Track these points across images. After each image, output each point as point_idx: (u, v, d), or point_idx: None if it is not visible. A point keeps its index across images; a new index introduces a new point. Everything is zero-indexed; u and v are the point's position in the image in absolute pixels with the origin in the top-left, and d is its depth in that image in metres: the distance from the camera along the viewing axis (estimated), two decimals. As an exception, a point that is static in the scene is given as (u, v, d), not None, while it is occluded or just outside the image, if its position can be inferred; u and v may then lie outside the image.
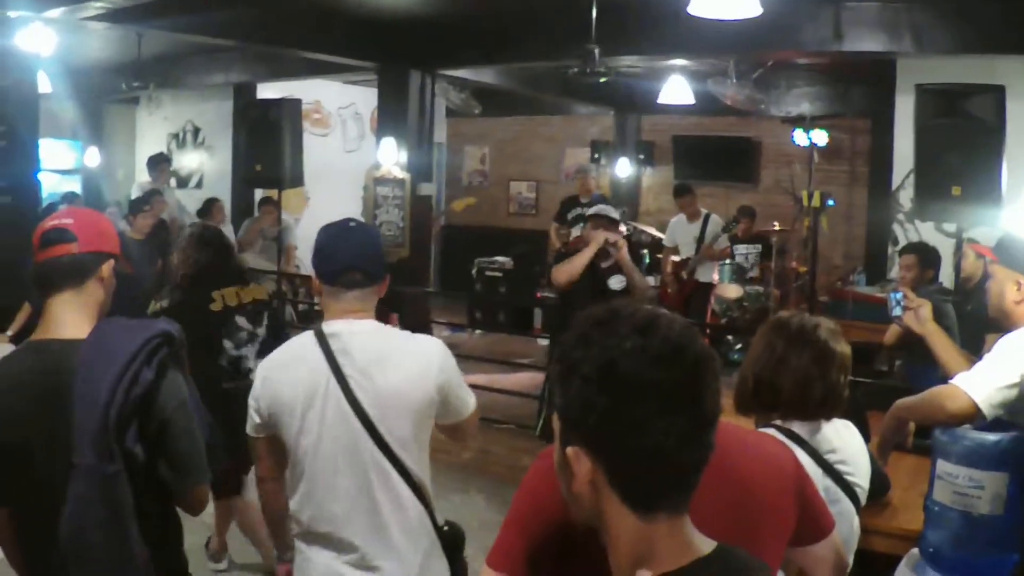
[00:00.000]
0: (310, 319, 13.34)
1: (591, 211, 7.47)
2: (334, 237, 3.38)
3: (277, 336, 5.54)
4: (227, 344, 5.58)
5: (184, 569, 3.04)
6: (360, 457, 3.14)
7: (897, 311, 4.64)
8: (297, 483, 3.23)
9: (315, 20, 10.26)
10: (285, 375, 3.24)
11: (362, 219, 14.24)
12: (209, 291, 5.58)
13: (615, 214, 7.15)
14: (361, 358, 3.17)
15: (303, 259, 13.96)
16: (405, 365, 3.19)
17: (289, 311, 12.81)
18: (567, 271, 6.97)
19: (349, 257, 3.28)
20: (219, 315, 5.56)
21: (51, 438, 2.66)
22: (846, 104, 13.47)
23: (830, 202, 11.76)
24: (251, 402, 3.29)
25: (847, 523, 3.06)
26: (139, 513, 2.69)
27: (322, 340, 3.21)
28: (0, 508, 2.82)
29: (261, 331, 5.73)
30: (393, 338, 3.32)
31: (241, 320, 5.66)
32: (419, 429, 3.21)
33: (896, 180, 11.34)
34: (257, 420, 3.27)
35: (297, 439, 3.18)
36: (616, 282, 6.88)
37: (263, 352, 5.09)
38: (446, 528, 3.38)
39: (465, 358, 8.26)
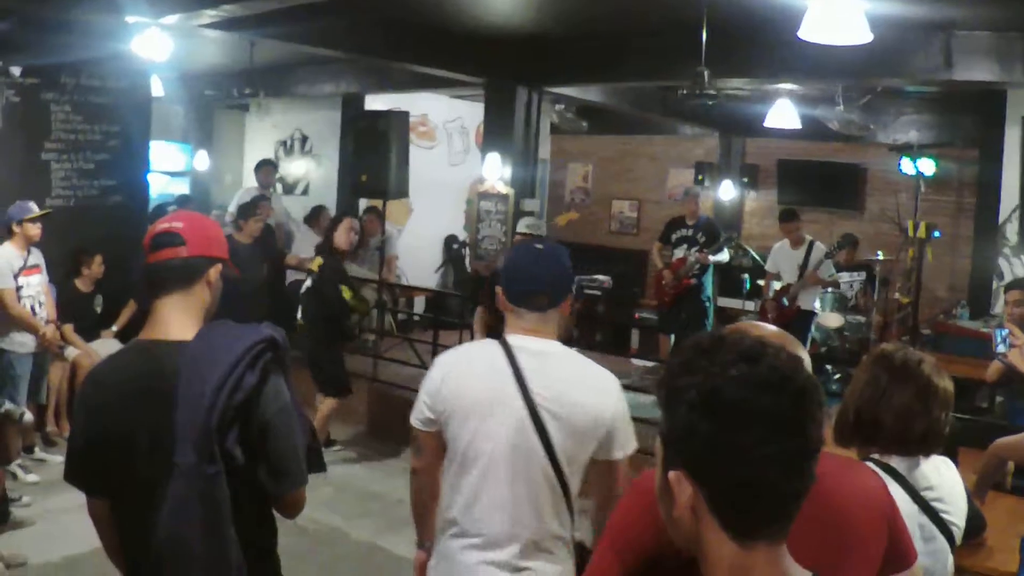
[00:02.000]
0: (409, 329, 13.45)
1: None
2: (522, 259, 3.47)
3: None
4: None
5: (277, 571, 3.07)
6: (532, 469, 3.21)
7: (1001, 347, 4.57)
8: (463, 485, 3.30)
9: (425, 35, 10.35)
10: (471, 377, 3.33)
11: (465, 232, 14.35)
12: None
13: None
14: (547, 376, 3.24)
15: (404, 269, 14.09)
16: (586, 389, 3.27)
17: (388, 320, 12.90)
18: None
19: (534, 281, 3.36)
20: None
21: (154, 436, 2.70)
22: (954, 133, 13.24)
23: (936, 233, 11.57)
24: (425, 397, 3.38)
25: (942, 562, 3.03)
26: (236, 514, 2.73)
27: (509, 351, 3.28)
28: (102, 499, 2.88)
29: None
30: (577, 362, 3.38)
31: None
32: (583, 453, 3.27)
33: (1003, 213, 11.18)
34: (430, 415, 3.36)
35: (471, 441, 3.26)
36: None
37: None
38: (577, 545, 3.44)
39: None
